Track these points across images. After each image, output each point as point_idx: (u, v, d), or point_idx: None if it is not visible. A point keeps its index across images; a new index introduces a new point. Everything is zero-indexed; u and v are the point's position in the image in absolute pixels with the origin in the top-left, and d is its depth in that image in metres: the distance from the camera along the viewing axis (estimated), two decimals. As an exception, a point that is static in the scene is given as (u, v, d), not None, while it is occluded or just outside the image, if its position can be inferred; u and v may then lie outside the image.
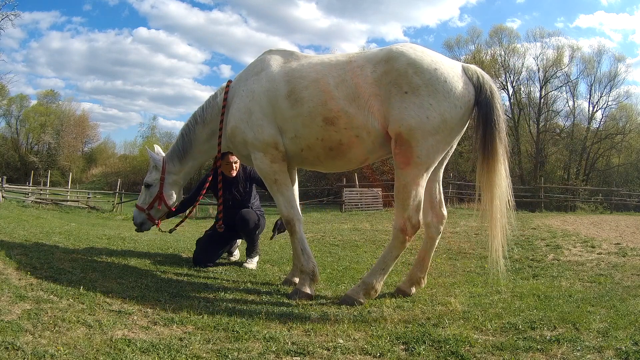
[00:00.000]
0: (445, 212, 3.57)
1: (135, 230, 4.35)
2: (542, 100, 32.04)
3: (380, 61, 3.18)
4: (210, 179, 4.45)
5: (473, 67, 3.24)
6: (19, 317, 2.39)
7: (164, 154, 4.21)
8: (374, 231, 8.64)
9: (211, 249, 4.50)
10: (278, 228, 4.41)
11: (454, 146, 3.41)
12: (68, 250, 4.62)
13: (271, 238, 4.73)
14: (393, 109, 3.08)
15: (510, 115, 32.43)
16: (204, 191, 4.52)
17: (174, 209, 4.28)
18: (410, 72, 3.05)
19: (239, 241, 5.05)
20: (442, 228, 3.55)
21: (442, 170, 3.59)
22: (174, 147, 4.10)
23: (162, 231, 4.52)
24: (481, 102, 3.14)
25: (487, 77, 3.22)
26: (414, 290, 3.53)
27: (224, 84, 3.87)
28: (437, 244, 3.59)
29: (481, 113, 3.15)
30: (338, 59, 3.41)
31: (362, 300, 3.18)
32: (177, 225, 4.61)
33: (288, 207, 3.50)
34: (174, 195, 4.17)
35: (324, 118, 3.26)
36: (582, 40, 64.86)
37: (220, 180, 4.26)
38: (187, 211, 4.60)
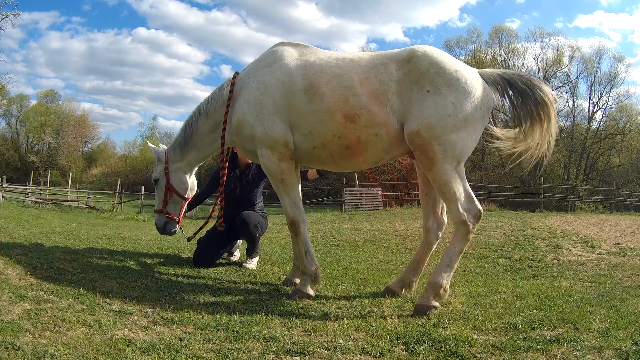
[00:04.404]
0: (445, 219, 3.53)
1: (161, 233, 4.16)
2: (542, 100, 31.98)
3: (404, 60, 3.20)
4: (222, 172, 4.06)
5: (489, 71, 3.34)
6: (19, 317, 2.38)
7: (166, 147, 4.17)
8: (374, 231, 8.66)
9: (211, 249, 4.49)
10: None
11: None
12: (68, 250, 4.62)
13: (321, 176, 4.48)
14: (413, 107, 3.10)
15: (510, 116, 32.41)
16: (223, 180, 4.00)
17: (188, 198, 4.11)
18: (432, 72, 3.10)
19: (239, 241, 5.04)
20: (440, 234, 3.53)
21: None
22: (176, 138, 4.06)
23: (185, 235, 4.36)
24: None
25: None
26: (403, 292, 3.48)
27: (231, 76, 3.73)
28: (434, 249, 3.55)
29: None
30: (360, 56, 3.37)
31: (435, 304, 3.00)
32: (198, 231, 4.40)
33: (294, 208, 3.44)
34: (183, 182, 4.01)
35: (344, 114, 3.19)
36: (581, 40, 65.04)
37: (222, 174, 3.93)
38: (208, 216, 4.45)
